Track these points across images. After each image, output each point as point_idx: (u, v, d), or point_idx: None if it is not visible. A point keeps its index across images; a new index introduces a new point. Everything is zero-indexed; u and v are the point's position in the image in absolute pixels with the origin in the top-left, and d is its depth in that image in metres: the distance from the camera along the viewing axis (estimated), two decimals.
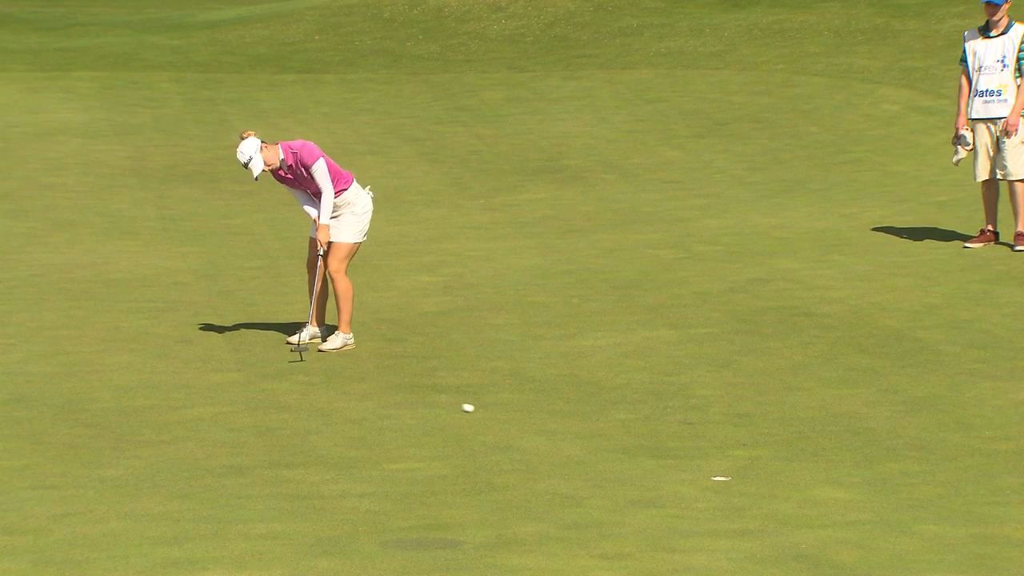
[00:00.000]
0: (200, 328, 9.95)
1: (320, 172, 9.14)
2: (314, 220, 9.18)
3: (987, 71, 11.33)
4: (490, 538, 6.44)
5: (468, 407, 8.05)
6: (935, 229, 12.39)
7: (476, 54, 20.43)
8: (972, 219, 12.70)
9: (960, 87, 11.53)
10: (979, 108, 11.44)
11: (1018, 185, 11.55)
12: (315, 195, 9.20)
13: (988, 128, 11.50)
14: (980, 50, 11.34)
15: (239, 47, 20.68)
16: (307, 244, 9.47)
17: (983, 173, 11.61)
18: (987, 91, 11.35)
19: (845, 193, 13.84)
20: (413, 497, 6.96)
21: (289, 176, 9.21)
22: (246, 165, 9.00)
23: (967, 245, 11.48)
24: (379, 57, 20.50)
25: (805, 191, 14.04)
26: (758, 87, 18.67)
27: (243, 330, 9.96)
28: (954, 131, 11.58)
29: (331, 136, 16.83)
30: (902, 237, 12.18)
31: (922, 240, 11.91)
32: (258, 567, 6.13)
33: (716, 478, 7.21)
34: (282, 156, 9.16)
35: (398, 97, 18.84)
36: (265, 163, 9.04)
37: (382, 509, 6.82)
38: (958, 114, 11.51)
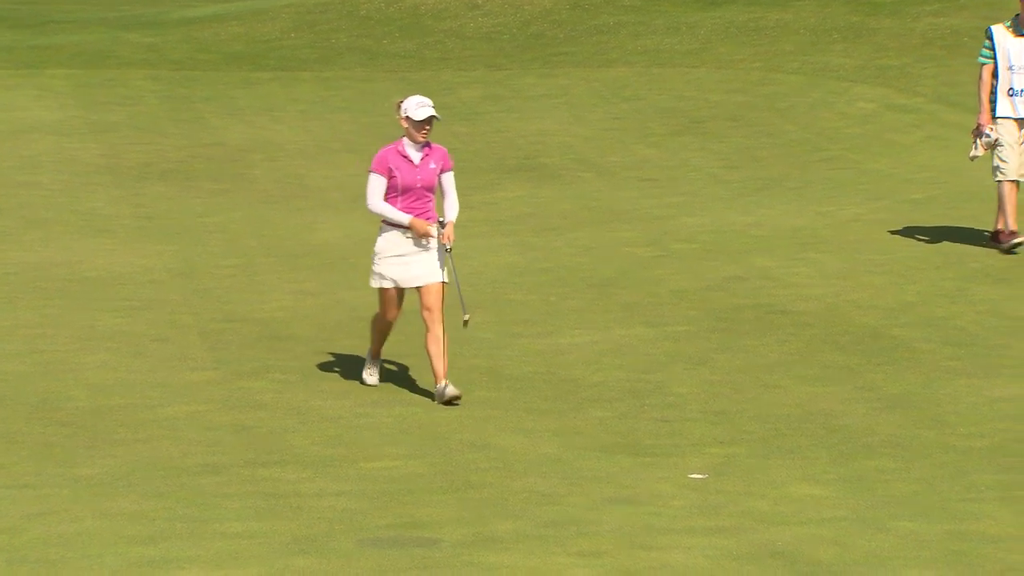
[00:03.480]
0: (176, 327, 9.91)
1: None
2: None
3: (1019, 70, 11.23)
4: (467, 536, 6.44)
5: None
6: (911, 227, 12.43)
7: (453, 52, 20.40)
8: (947, 216, 12.76)
9: (982, 83, 11.30)
10: (1009, 107, 11.33)
11: None
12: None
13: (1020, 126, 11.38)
14: (1014, 49, 11.24)
15: (214, 44, 20.61)
16: (388, 298, 8.25)
17: (1013, 172, 11.50)
18: (1022, 90, 11.25)
19: (821, 191, 13.88)
20: (390, 495, 6.95)
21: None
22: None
23: (1010, 245, 11.30)
24: (355, 55, 20.45)
25: (781, 189, 14.08)
26: (734, 85, 18.70)
27: (219, 328, 9.93)
28: (975, 126, 11.43)
29: (308, 134, 16.79)
30: (878, 235, 12.22)
31: (898, 238, 11.95)
32: (234, 566, 6.11)
33: (693, 475, 7.22)
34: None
35: (375, 95, 18.81)
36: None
37: (359, 507, 6.80)
38: (981, 111, 11.37)
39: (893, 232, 12.10)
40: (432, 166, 8.18)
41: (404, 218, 8.13)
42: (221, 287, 11.02)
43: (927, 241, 11.92)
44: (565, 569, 6.06)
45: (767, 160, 15.25)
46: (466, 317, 8.20)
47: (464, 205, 13.94)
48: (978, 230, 12.10)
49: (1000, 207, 11.55)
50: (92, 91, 18.22)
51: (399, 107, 8.15)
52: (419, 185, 8.13)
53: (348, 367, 9.06)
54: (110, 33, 21.14)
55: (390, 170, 8.18)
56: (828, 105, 17.05)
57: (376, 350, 8.56)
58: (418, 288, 8.23)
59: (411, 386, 8.68)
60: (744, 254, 11.69)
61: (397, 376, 8.88)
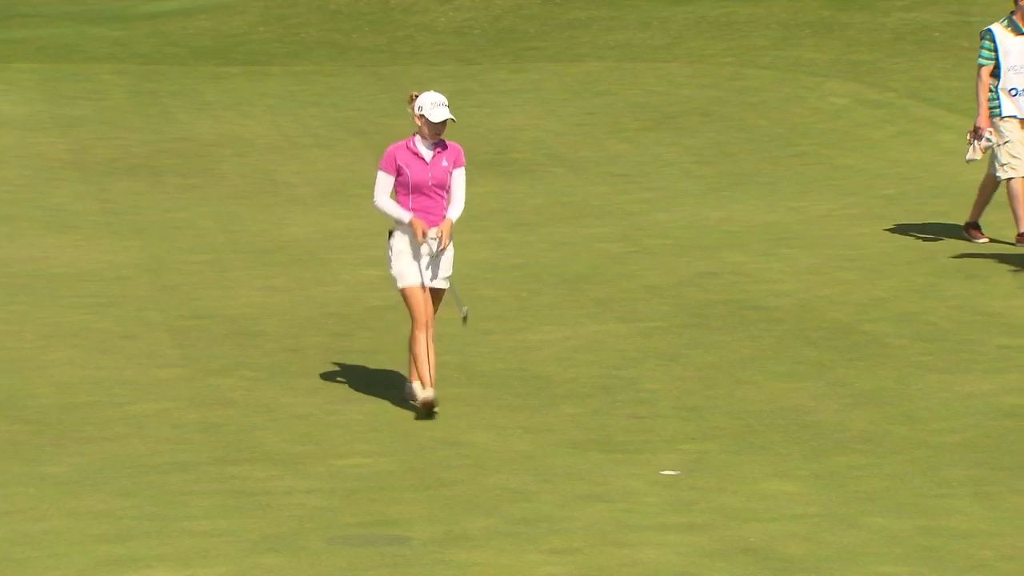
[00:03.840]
0: (143, 323, 9.87)
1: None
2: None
3: (1021, 70, 11.20)
4: (438, 534, 6.44)
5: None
6: (882, 222, 12.49)
7: (423, 46, 20.38)
8: (919, 212, 12.82)
9: (981, 84, 11.18)
10: (1013, 107, 11.29)
11: None
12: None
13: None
14: (1015, 49, 11.19)
15: (182, 39, 20.51)
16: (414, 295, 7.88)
17: (1021, 170, 11.45)
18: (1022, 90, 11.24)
19: (793, 186, 13.93)
20: (360, 493, 6.94)
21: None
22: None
23: None
24: (325, 49, 20.40)
25: (753, 184, 14.12)
26: (706, 80, 18.74)
27: (187, 325, 9.89)
28: (973, 128, 11.33)
29: (277, 129, 16.74)
30: (849, 230, 12.27)
31: (869, 233, 12.00)
32: (202, 564, 6.09)
33: (665, 472, 7.24)
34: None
35: (345, 89, 18.76)
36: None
37: (329, 505, 6.79)
38: (979, 113, 11.20)
39: (865, 228, 12.14)
40: (444, 164, 7.87)
41: (404, 216, 7.83)
42: (189, 283, 10.98)
43: (899, 237, 11.98)
44: (537, 567, 6.07)
45: (739, 155, 15.30)
46: (464, 310, 7.99)
47: None
48: (950, 225, 12.17)
49: (1011, 206, 11.52)
50: (58, 85, 18.11)
51: (413, 101, 7.85)
52: (431, 183, 7.83)
53: (318, 364, 9.04)
54: (76, 27, 21.01)
55: (399, 168, 7.85)
56: (800, 100, 17.11)
57: (424, 372, 7.85)
58: (428, 289, 7.96)
59: (382, 383, 8.67)
60: (716, 250, 11.71)
61: (367, 373, 8.86)
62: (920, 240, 11.92)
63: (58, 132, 16.26)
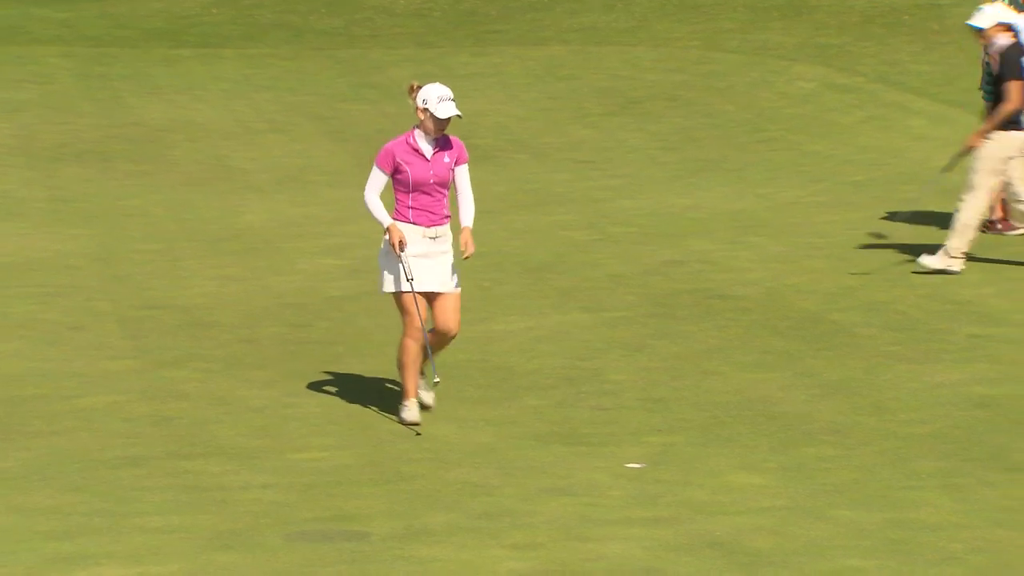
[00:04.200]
0: (93, 314, 9.81)
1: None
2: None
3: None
4: (398, 529, 6.44)
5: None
6: (851, 209, 12.56)
7: (382, 29, 20.31)
8: (888, 198, 12.91)
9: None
10: None
11: None
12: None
13: None
14: (1019, 26, 11.10)
15: (132, 20, 20.37)
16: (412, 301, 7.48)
17: None
18: None
19: (760, 173, 13.99)
20: (318, 488, 6.94)
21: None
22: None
23: None
24: (281, 31, 20.31)
25: (720, 171, 14.17)
26: (672, 64, 18.77)
27: (139, 316, 9.85)
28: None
29: (231, 114, 16.67)
30: (818, 217, 12.33)
31: (838, 221, 12.07)
32: (154, 562, 6.07)
33: (630, 465, 7.27)
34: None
35: (301, 73, 18.69)
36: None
37: (285, 500, 6.78)
38: None
39: (833, 215, 12.21)
40: (446, 160, 7.48)
41: (384, 220, 7.46)
42: (140, 273, 10.93)
43: (868, 224, 12.05)
44: (499, 562, 6.08)
45: (705, 141, 15.34)
46: (436, 379, 7.53)
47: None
48: (919, 212, 12.25)
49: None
50: (2, 68, 17.95)
51: (414, 93, 7.44)
52: (432, 181, 7.44)
53: (274, 355, 9.02)
54: (20, 8, 20.82)
55: (397, 165, 7.44)
56: (767, 84, 17.18)
57: (412, 386, 7.61)
58: (429, 295, 7.55)
59: (340, 375, 8.66)
60: (682, 238, 11.75)
61: (325, 365, 8.85)
62: (889, 227, 12.00)
63: (3, 117, 16.12)
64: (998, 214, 11.67)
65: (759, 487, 6.96)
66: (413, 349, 7.62)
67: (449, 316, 7.60)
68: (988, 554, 6.18)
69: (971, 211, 10.50)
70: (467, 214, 7.62)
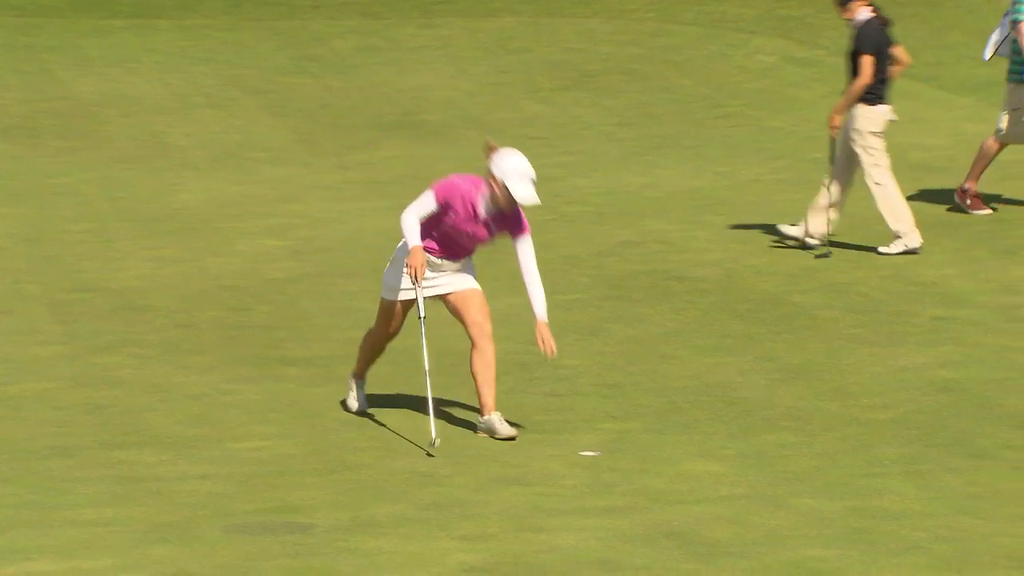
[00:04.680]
0: (21, 297, 9.73)
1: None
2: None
3: None
4: (343, 521, 6.44)
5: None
6: (813, 187, 12.64)
7: None
8: None
9: (1022, 39, 11.14)
10: None
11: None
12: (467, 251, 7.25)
13: None
14: None
15: None
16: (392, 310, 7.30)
17: (1012, 140, 11.51)
18: None
19: (719, 150, 14.04)
20: (259, 478, 6.92)
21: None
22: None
23: None
24: (218, 1, 20.16)
25: (678, 148, 14.21)
26: (627, 37, 18.79)
27: (70, 299, 9.77)
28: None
29: (166, 88, 16.54)
30: (778, 196, 12.39)
31: (799, 200, 12.14)
32: (87, 556, 6.04)
33: (584, 453, 7.29)
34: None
35: (240, 45, 18.57)
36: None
37: (225, 491, 6.76)
38: None
39: (795, 193, 12.28)
40: (495, 229, 7.22)
41: (413, 240, 7.11)
42: (71, 254, 10.85)
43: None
44: (448, 554, 6.09)
45: (662, 117, 15.38)
46: (435, 440, 7.10)
47: (339, 165, 13.92)
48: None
49: (975, 160, 11.69)
50: None
51: (491, 153, 7.13)
52: (467, 238, 7.22)
53: (212, 340, 8.98)
54: None
55: (449, 207, 7.16)
56: (726, 58, 17.23)
57: (363, 369, 7.61)
58: (446, 297, 7.28)
59: (282, 360, 8.63)
60: (638, 217, 11.79)
61: (266, 350, 8.82)
62: (852, 205, 12.08)
63: None
64: (972, 190, 11.79)
65: (717, 475, 7.00)
66: (382, 346, 7.56)
67: (476, 310, 7.22)
68: (952, 543, 6.25)
69: (882, 189, 10.62)
70: (539, 301, 7.19)
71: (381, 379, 8.29)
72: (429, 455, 7.12)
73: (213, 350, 8.79)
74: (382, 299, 7.50)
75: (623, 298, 9.78)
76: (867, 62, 10.54)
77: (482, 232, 7.33)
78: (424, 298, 7.21)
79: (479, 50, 18.30)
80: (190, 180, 13.06)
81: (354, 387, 7.79)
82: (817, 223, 10.73)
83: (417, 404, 7.91)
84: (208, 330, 9.17)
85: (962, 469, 7.06)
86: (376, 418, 7.74)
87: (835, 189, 10.81)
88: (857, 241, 11.07)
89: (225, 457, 7.18)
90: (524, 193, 7.11)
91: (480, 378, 7.36)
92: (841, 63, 18.41)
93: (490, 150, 7.22)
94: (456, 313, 7.39)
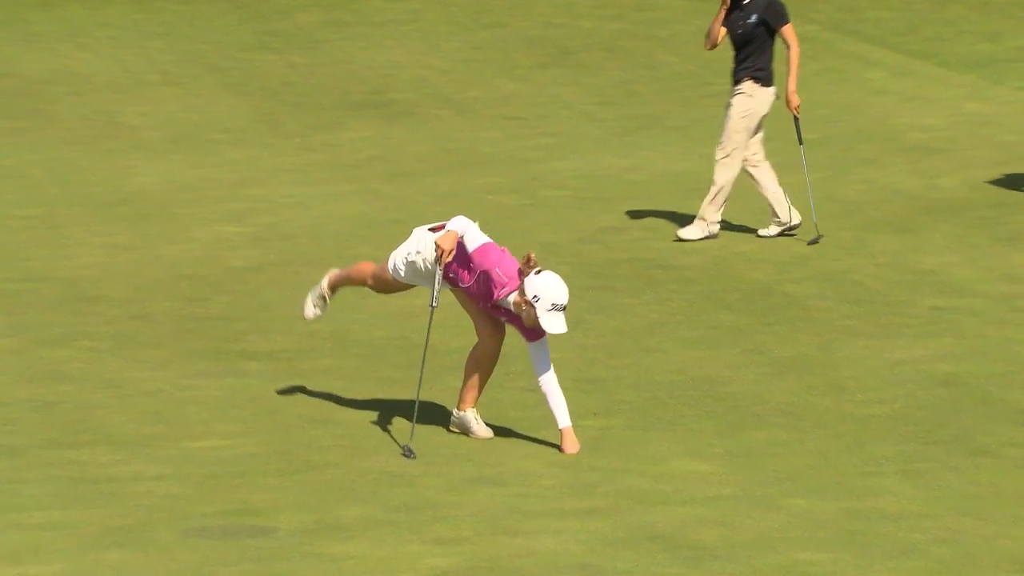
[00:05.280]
0: None
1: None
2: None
3: None
4: (307, 523, 6.43)
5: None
6: (803, 170, 12.68)
7: None
8: (844, 158, 13.03)
9: None
10: None
11: None
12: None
13: None
14: None
15: None
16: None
17: None
18: None
19: (706, 131, 14.05)
20: (218, 479, 6.91)
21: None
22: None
23: None
24: None
25: (662, 128, 14.23)
26: (609, 11, 18.79)
27: (16, 289, 9.74)
28: None
29: (119, 64, 16.49)
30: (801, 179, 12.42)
31: (790, 183, 12.17)
32: (35, 562, 6.02)
33: (563, 451, 7.30)
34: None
35: (197, 19, 18.52)
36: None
37: (182, 493, 6.75)
38: None
39: (785, 177, 12.31)
40: (503, 319, 7.23)
41: (458, 225, 7.16)
42: (17, 241, 10.81)
43: (822, 186, 12.15)
44: (419, 558, 6.09)
45: (646, 96, 15.40)
46: (411, 450, 7.05)
47: (304, 147, 13.91)
48: (880, 173, 12.38)
49: None
50: None
51: (529, 267, 7.01)
52: (485, 309, 7.22)
53: (169, 332, 8.96)
54: None
55: (474, 272, 7.15)
56: None
57: (337, 285, 7.58)
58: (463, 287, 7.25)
59: (243, 354, 8.62)
60: (621, 202, 11.81)
61: (226, 343, 8.81)
62: (845, 189, 12.12)
63: None
64: None
65: (704, 474, 7.02)
66: (360, 283, 7.54)
67: (493, 324, 7.22)
68: (951, 545, 6.28)
69: (729, 174, 10.68)
70: (560, 409, 7.17)
71: (349, 373, 8.29)
72: (405, 455, 7.10)
73: (169, 343, 8.77)
74: (390, 270, 7.43)
75: (605, 288, 9.80)
76: (793, 31, 10.70)
77: (492, 311, 7.29)
78: (440, 286, 7.17)
79: (452, 24, 18.28)
80: (145, 163, 13.02)
81: (318, 291, 7.69)
82: (782, 207, 10.81)
83: (386, 401, 7.90)
84: (164, 322, 9.15)
85: (962, 468, 7.10)
86: (342, 415, 7.73)
87: (765, 169, 10.90)
88: (851, 228, 11.10)
89: (182, 457, 7.17)
90: (555, 329, 7.05)
91: (472, 374, 7.35)
92: (834, 39, 18.41)
93: (529, 265, 7.08)
94: (467, 305, 7.34)
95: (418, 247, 7.40)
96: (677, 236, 10.74)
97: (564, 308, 7.07)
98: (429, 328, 7.35)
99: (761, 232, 10.83)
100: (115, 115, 14.59)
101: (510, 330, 7.39)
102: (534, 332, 7.24)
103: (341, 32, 17.97)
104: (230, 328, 9.04)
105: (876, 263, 10.29)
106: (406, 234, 11.19)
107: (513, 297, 7.16)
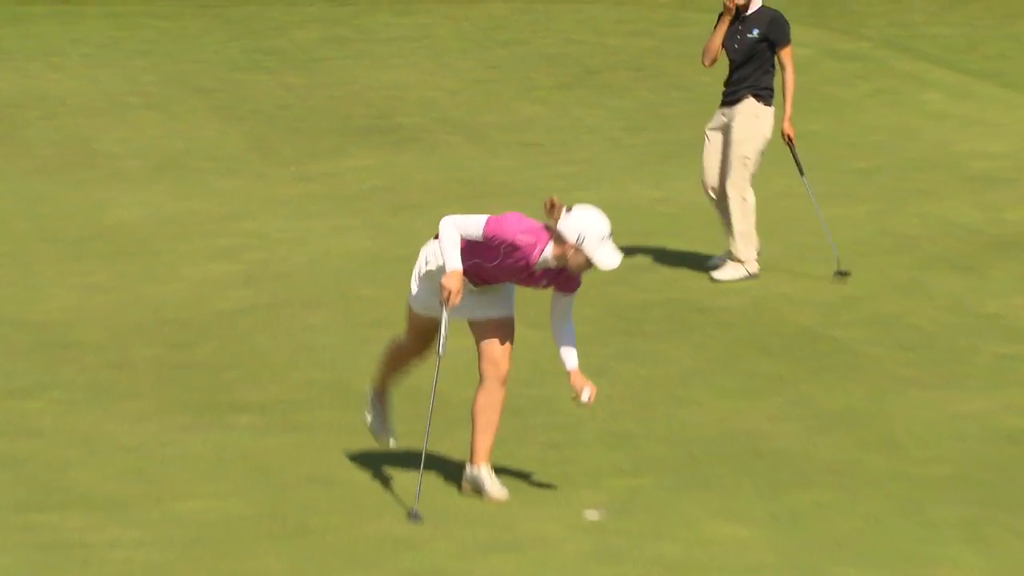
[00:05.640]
0: None
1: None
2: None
3: None
4: None
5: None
6: (854, 202, 12.70)
7: None
8: (898, 189, 13.05)
9: None
10: None
11: None
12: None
13: None
14: None
15: None
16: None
17: None
18: None
19: None
20: (204, 544, 6.92)
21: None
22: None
23: None
24: None
25: (696, 156, 14.26)
26: (637, 26, 18.87)
27: None
28: None
29: (95, 86, 16.60)
30: (814, 213, 12.44)
31: (839, 217, 12.19)
32: None
33: (588, 514, 7.31)
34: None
35: (182, 36, 18.64)
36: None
37: (164, 560, 6.77)
38: None
39: (834, 209, 12.33)
40: (544, 283, 7.28)
41: (453, 262, 7.07)
42: None
43: (874, 220, 12.17)
44: None
45: (678, 120, 15.45)
46: (417, 512, 7.03)
47: (300, 177, 13.98)
48: (938, 205, 12.38)
49: None
50: None
51: (556, 214, 7.07)
52: (508, 278, 7.25)
53: (150, 382, 8.99)
54: None
55: (498, 251, 7.14)
56: None
57: (382, 383, 7.58)
58: (473, 321, 7.28)
59: (232, 406, 8.65)
60: (651, 237, 11.83)
61: (213, 393, 8.83)
62: (901, 224, 12.13)
63: None
64: None
65: (744, 540, 7.02)
66: (410, 360, 7.51)
67: (497, 347, 7.21)
68: None
69: (747, 207, 10.70)
70: (570, 352, 7.33)
71: (350, 426, 8.31)
72: (411, 518, 7.11)
73: (150, 394, 8.80)
74: (409, 309, 7.44)
75: (633, 332, 9.81)
76: (791, 53, 10.76)
77: (528, 283, 7.34)
78: (447, 331, 7.18)
79: (464, 41, 18.37)
80: (124, 194, 13.09)
81: (370, 401, 7.69)
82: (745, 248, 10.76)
83: (390, 457, 7.92)
84: (145, 370, 9.18)
85: None
86: (343, 474, 7.74)
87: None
88: (906, 266, 11.11)
89: (164, 520, 7.19)
90: (612, 261, 7.13)
91: (480, 421, 7.34)
92: (888, 57, 18.45)
93: (554, 208, 7.12)
94: (477, 340, 7.37)
95: (427, 256, 7.36)
96: (712, 277, 10.76)
97: (610, 235, 7.11)
98: (436, 378, 7.37)
99: (717, 275, 10.67)
100: (91, 141, 14.68)
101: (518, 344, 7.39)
102: (572, 283, 7.21)
103: (342, 50, 18.08)
104: (218, 377, 9.08)
105: (935, 305, 10.30)
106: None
107: (550, 251, 7.13)
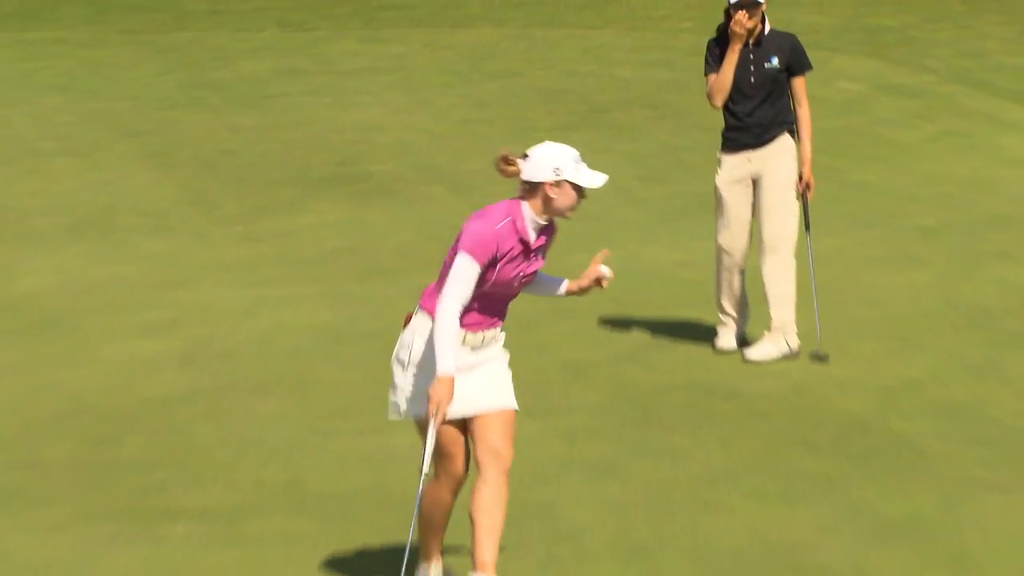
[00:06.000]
0: None
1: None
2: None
3: None
4: None
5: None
6: (917, 267, 12.75)
7: (228, 3, 20.41)
8: (970, 252, 13.10)
9: None
10: None
11: None
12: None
13: None
14: None
15: None
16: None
17: None
18: None
19: None
20: None
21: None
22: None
23: None
24: (76, 7, 20.36)
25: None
26: (653, 55, 18.97)
27: None
28: None
29: (2, 128, 16.66)
30: (869, 279, 12.49)
31: (899, 284, 12.23)
32: None
33: None
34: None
35: (107, 67, 18.73)
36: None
37: None
38: None
39: (891, 274, 12.38)
40: (543, 250, 7.50)
41: (446, 363, 7.11)
42: None
43: (941, 289, 12.22)
44: None
45: (702, 167, 15.52)
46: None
47: (248, 236, 14.02)
48: (1018, 271, 12.43)
49: None
50: None
51: (516, 167, 7.35)
52: (518, 282, 7.38)
53: (67, 485, 9.00)
54: None
55: (496, 260, 7.28)
56: None
57: (429, 545, 7.45)
58: (470, 418, 7.29)
59: (165, 513, 8.66)
60: (670, 307, 11.87)
61: (143, 498, 8.84)
62: (973, 293, 12.17)
63: None
64: None
65: None
66: (446, 502, 7.35)
67: (498, 434, 7.21)
68: None
69: (791, 274, 10.77)
70: (554, 280, 7.70)
71: (308, 536, 8.32)
72: None
73: (67, 499, 8.81)
74: (416, 423, 7.30)
75: (649, 422, 9.84)
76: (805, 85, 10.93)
77: (535, 263, 7.52)
78: (433, 445, 7.13)
79: (447, 74, 18.47)
80: (35, 258, 13.13)
81: (427, 566, 7.54)
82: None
83: (355, 568, 7.93)
84: (61, 471, 9.19)
85: None
86: None
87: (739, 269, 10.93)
88: (980, 344, 11.16)
89: None
90: (598, 179, 7.50)
91: (482, 523, 7.19)
92: (957, 92, 18.56)
93: (507, 162, 7.41)
94: (470, 424, 7.31)
95: (399, 345, 7.44)
96: (746, 357, 10.80)
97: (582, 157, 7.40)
98: (420, 498, 7.30)
99: (754, 356, 10.71)
100: None
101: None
102: (551, 232, 7.51)
103: (299, 84, 18.17)
104: (148, 478, 9.09)
105: (1014, 392, 10.33)
106: (384, 350, 11.30)
107: (530, 210, 7.36)
